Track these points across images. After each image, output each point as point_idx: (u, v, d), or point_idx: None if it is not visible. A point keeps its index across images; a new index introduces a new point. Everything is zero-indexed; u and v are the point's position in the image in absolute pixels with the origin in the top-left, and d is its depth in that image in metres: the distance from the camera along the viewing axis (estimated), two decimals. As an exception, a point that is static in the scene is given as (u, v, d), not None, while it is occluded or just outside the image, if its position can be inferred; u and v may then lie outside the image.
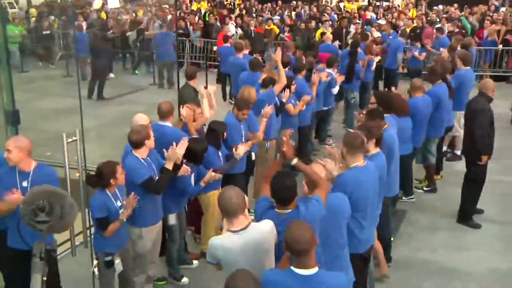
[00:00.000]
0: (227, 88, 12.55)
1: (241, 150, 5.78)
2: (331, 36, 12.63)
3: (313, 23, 15.75)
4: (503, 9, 20.34)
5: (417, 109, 6.83)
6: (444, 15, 18.57)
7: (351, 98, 10.06)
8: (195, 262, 5.89)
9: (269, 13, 21.39)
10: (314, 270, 3.07)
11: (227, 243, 3.41)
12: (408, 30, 14.87)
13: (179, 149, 4.80)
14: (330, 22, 16.78)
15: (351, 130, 7.31)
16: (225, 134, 5.72)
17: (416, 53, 12.45)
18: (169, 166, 4.76)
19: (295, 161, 4.10)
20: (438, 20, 17.03)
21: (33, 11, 21.38)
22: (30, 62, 17.71)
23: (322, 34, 13.47)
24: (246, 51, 10.42)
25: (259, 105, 6.72)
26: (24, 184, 4.34)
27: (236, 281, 3.02)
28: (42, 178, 4.37)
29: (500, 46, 14.70)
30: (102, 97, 13.32)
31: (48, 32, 18.22)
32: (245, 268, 3.17)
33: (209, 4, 24.58)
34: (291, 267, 3.08)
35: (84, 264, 5.09)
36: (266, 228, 3.48)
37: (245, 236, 3.40)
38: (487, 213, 7.02)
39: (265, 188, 3.87)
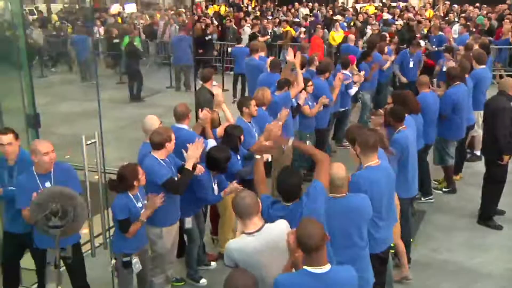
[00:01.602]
0: (238, 88, 12.86)
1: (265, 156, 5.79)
2: (353, 37, 12.62)
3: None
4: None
5: (426, 104, 6.78)
6: (463, 15, 18.41)
7: (358, 98, 10.13)
8: (213, 263, 5.91)
9: (283, 15, 21.39)
10: (327, 267, 3.09)
11: (242, 246, 3.43)
12: (425, 30, 14.76)
13: (197, 148, 4.82)
14: (346, 23, 16.75)
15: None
16: (242, 137, 5.72)
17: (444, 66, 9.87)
18: (189, 165, 4.79)
19: (291, 141, 4.42)
20: (456, 20, 16.89)
21: (54, 17, 21.67)
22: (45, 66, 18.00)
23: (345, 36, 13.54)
24: (262, 53, 10.42)
25: (274, 107, 6.73)
26: (47, 185, 4.42)
27: (234, 280, 3.04)
28: (63, 174, 4.51)
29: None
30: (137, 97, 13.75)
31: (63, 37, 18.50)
32: (263, 269, 3.18)
33: (226, 8, 24.68)
34: (304, 267, 3.09)
35: (103, 265, 5.14)
36: (281, 228, 3.49)
37: (260, 237, 3.40)
38: (508, 214, 6.94)
39: (262, 189, 3.97)
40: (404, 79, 11.11)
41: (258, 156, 4.27)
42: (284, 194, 3.73)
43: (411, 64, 11.23)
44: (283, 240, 3.45)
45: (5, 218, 4.91)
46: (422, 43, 12.31)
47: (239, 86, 13.10)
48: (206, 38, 15.89)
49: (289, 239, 3.29)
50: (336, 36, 14.90)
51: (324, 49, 13.50)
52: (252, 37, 14.37)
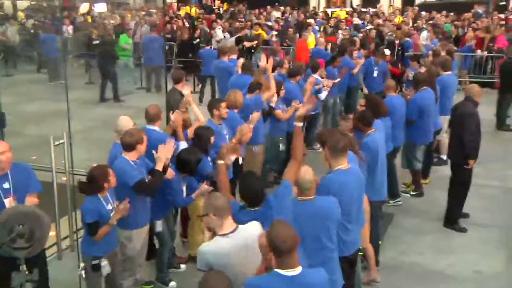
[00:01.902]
0: (207, 91, 12.90)
1: (228, 160, 5.77)
2: (323, 41, 12.74)
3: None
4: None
5: (393, 107, 6.90)
6: (430, 22, 18.79)
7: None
8: (182, 266, 5.87)
9: (255, 17, 21.44)
10: (299, 269, 3.08)
11: (216, 248, 3.41)
12: (394, 36, 14.99)
13: (167, 150, 4.79)
14: (317, 27, 16.91)
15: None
16: (212, 139, 5.70)
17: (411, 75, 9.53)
18: (159, 167, 4.75)
19: (300, 124, 4.51)
20: (424, 27, 17.23)
21: (20, 14, 21.21)
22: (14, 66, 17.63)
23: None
24: (234, 55, 10.42)
25: (245, 110, 6.73)
26: (6, 186, 4.29)
27: (209, 283, 3.02)
28: (21, 174, 4.39)
29: (485, 53, 14.92)
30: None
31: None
32: (238, 270, 3.17)
33: (196, 9, 24.58)
34: (275, 270, 3.06)
35: (70, 268, 5.06)
36: (254, 229, 3.49)
37: (235, 238, 3.40)
38: (473, 217, 7.09)
39: (225, 195, 3.92)
40: (365, 90, 10.85)
41: (220, 162, 4.22)
42: (247, 200, 3.74)
43: (375, 74, 10.99)
44: (256, 241, 3.46)
45: None
46: (388, 51, 11.99)
47: (208, 89, 13.05)
48: (194, 42, 15.69)
49: (261, 242, 3.28)
50: (309, 40, 15.00)
51: (310, 52, 13.44)
52: (238, 41, 14.34)
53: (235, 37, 15.32)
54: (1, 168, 4.29)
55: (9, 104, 7.32)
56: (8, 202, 4.25)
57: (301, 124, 4.40)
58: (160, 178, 4.76)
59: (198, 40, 16.13)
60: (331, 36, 15.45)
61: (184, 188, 5.23)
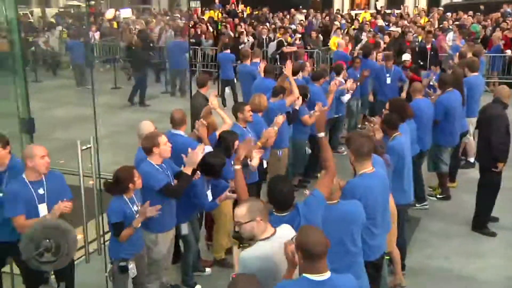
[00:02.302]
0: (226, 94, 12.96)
1: (255, 162, 5.79)
2: (344, 43, 12.66)
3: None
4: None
5: (420, 110, 6.84)
6: (457, 22, 18.53)
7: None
8: (207, 269, 5.89)
9: (279, 21, 21.46)
10: (328, 274, 3.05)
11: (262, 252, 3.34)
12: (420, 38, 14.83)
13: (197, 154, 4.82)
14: (340, 31, 16.83)
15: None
16: (236, 143, 5.71)
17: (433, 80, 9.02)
18: (188, 170, 4.78)
19: (322, 134, 4.32)
20: (450, 28, 17.00)
21: (52, 21, 21.68)
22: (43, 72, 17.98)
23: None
24: (257, 59, 10.44)
25: (269, 114, 6.74)
26: (41, 191, 4.39)
27: (238, 284, 3.01)
28: (56, 182, 4.50)
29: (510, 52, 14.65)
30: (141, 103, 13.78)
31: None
32: (278, 273, 3.17)
33: (220, 14, 24.74)
34: (304, 275, 3.04)
35: (98, 271, 5.11)
36: (290, 231, 3.47)
37: (276, 241, 3.36)
38: (502, 221, 6.96)
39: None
40: (371, 98, 10.41)
41: (237, 167, 4.18)
42: (276, 204, 3.68)
43: (388, 80, 10.10)
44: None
45: None
46: (407, 56, 11.33)
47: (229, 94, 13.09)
48: (240, 47, 15.24)
49: (287, 250, 3.21)
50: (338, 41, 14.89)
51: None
52: (280, 44, 14.23)
53: (276, 41, 15.17)
54: (39, 173, 4.38)
55: (38, 109, 7.47)
56: (43, 207, 4.34)
57: (323, 134, 4.36)
58: (187, 181, 4.79)
59: (243, 45, 15.90)
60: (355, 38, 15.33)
61: (209, 192, 5.25)
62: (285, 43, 15.04)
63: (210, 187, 5.27)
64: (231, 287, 3.03)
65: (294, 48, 14.74)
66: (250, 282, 3.05)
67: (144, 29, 18.85)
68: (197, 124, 5.80)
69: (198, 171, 5.00)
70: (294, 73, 7.98)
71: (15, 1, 5.76)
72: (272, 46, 14.60)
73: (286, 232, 3.42)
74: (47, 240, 2.80)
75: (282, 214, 3.64)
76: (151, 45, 16.08)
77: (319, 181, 3.93)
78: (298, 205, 3.71)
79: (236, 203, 5.96)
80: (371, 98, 10.39)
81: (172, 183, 4.80)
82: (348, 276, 3.26)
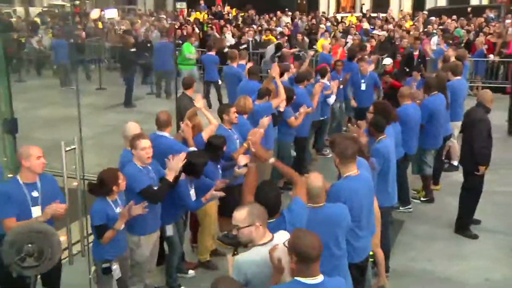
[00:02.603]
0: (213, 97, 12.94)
1: (242, 161, 5.78)
2: (328, 46, 12.73)
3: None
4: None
5: (407, 116, 6.90)
6: (441, 27, 18.73)
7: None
8: (190, 272, 5.86)
9: (266, 23, 21.49)
10: (320, 278, 3.04)
11: (258, 257, 3.29)
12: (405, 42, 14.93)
13: (180, 160, 4.80)
14: (327, 33, 16.92)
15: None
16: (224, 148, 5.71)
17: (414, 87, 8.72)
18: (170, 177, 4.76)
19: (272, 160, 4.36)
20: (434, 32, 17.18)
21: (36, 20, 21.44)
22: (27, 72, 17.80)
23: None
24: (243, 61, 10.46)
25: (255, 116, 6.75)
26: (35, 194, 4.31)
27: (218, 285, 2.98)
28: (50, 185, 4.45)
29: (496, 58, 14.84)
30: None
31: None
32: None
33: (205, 15, 24.71)
34: (296, 278, 3.02)
35: (81, 272, 5.07)
36: (287, 237, 3.43)
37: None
38: (484, 224, 7.03)
39: (249, 199, 3.86)
40: (354, 103, 9.88)
41: (251, 164, 4.19)
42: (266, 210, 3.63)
43: (363, 87, 9.75)
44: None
45: None
46: (388, 61, 10.89)
47: (213, 95, 13.08)
48: (240, 48, 15.06)
49: (273, 256, 3.19)
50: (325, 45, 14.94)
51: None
52: (279, 47, 14.17)
53: (275, 44, 15.12)
54: (34, 174, 4.31)
55: (21, 109, 7.39)
56: (36, 210, 4.27)
57: (272, 159, 4.45)
58: (167, 188, 4.77)
59: (245, 45, 15.76)
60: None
61: (192, 191, 5.24)
62: (284, 45, 14.95)
63: (193, 187, 5.25)
64: (213, 286, 3.00)
65: (294, 50, 14.68)
66: (232, 284, 3.04)
67: (129, 29, 18.77)
68: (182, 126, 5.79)
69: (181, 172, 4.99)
70: (280, 75, 7.99)
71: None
72: (270, 49, 14.53)
73: (283, 237, 3.38)
74: (29, 245, 2.69)
75: (269, 220, 3.58)
76: (148, 45, 15.89)
77: (294, 191, 3.93)
78: (284, 211, 3.70)
79: (221, 205, 6.00)
80: (353, 103, 10.00)
81: (155, 186, 4.78)
82: (339, 280, 3.28)
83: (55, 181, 4.59)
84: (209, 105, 12.39)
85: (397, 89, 8.41)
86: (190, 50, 13.91)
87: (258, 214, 3.37)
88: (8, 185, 4.31)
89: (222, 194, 5.23)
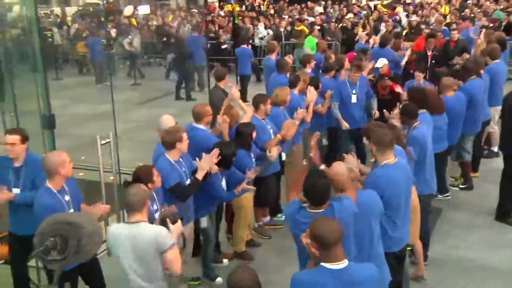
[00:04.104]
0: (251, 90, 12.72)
1: (274, 152, 5.78)
2: (364, 35, 12.53)
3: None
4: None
5: (449, 108, 6.62)
6: (479, 10, 18.19)
7: None
8: (225, 261, 5.92)
9: (297, 13, 21.36)
10: (345, 262, 3.06)
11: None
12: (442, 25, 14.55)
13: (212, 158, 4.81)
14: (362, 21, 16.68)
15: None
16: (253, 134, 5.72)
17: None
18: (200, 175, 4.77)
19: (322, 166, 4.23)
20: (473, 15, 16.69)
21: (69, 19, 21.83)
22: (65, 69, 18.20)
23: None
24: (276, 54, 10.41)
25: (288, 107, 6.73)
26: (67, 198, 4.33)
27: (236, 273, 3.03)
28: (75, 186, 4.51)
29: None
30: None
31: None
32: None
33: (238, 7, 24.72)
34: (321, 264, 3.06)
35: (116, 265, 5.15)
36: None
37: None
38: (526, 210, 6.83)
39: (292, 195, 3.87)
40: (345, 125, 7.68)
41: (322, 166, 4.18)
42: (312, 199, 3.61)
43: (353, 99, 7.69)
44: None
45: (12, 220, 4.87)
46: (382, 62, 8.83)
47: (251, 88, 13.04)
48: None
49: (305, 242, 3.26)
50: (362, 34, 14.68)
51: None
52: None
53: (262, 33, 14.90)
54: (65, 180, 4.33)
55: (57, 106, 7.57)
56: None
57: (323, 167, 4.31)
58: (197, 187, 4.78)
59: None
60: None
61: (224, 183, 5.26)
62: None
63: (224, 178, 5.27)
64: (229, 276, 3.04)
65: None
66: (247, 272, 3.05)
67: (161, 24, 18.94)
68: (219, 120, 5.79)
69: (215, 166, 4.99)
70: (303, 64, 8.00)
71: (34, 0, 5.82)
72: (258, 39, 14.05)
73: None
74: (52, 238, 2.65)
75: (317, 211, 3.58)
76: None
77: (346, 193, 3.88)
78: (334, 203, 3.64)
79: (256, 196, 6.02)
80: (345, 124, 7.72)
81: (187, 182, 4.80)
82: (369, 266, 3.25)
83: (76, 182, 4.62)
84: (244, 99, 12.34)
85: (397, 95, 7.79)
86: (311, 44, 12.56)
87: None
88: (47, 198, 4.22)
89: (253, 188, 5.24)
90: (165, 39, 17.49)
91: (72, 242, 2.63)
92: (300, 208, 3.68)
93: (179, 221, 3.94)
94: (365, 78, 8.05)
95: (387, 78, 8.44)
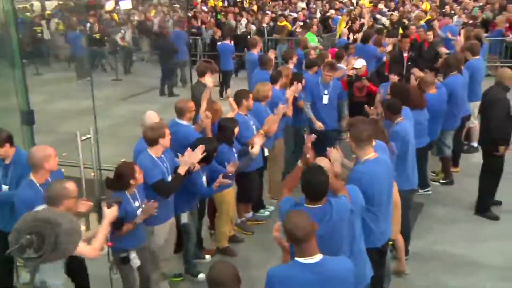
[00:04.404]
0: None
1: (256, 148, 5.78)
2: (346, 31, 12.59)
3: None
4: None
5: (431, 104, 6.64)
6: (458, 7, 18.38)
7: None
8: (207, 257, 5.91)
9: (280, 9, 21.36)
10: (319, 257, 3.10)
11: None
12: (422, 21, 14.68)
13: (195, 155, 4.78)
14: (341, 16, 16.72)
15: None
16: (236, 130, 5.70)
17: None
18: (182, 171, 4.74)
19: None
20: (453, 12, 16.85)
21: (48, 14, 21.45)
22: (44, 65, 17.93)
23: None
24: (258, 48, 10.39)
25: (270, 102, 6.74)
26: None
27: (215, 269, 3.01)
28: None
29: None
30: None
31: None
32: None
33: (221, 2, 24.62)
34: (295, 258, 3.10)
35: (101, 263, 5.09)
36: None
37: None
38: (505, 205, 6.93)
39: (286, 192, 3.91)
40: (319, 125, 7.38)
41: (300, 164, 4.15)
42: (309, 194, 3.60)
43: (325, 100, 7.49)
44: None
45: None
46: (361, 63, 8.47)
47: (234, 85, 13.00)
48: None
49: (275, 235, 3.33)
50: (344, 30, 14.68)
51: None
52: None
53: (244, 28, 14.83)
54: (49, 173, 4.33)
55: (38, 102, 7.47)
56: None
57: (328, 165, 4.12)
58: (179, 182, 4.75)
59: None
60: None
61: (204, 178, 5.24)
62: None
63: (205, 174, 5.26)
64: (209, 272, 3.03)
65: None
66: (227, 268, 3.04)
67: (143, 19, 18.78)
68: (202, 116, 5.76)
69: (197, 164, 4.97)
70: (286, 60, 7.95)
71: (12, -7, 5.72)
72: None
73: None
74: (28, 236, 2.61)
75: (314, 206, 3.59)
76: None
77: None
78: (332, 199, 3.65)
79: (239, 192, 6.02)
80: (319, 124, 7.48)
81: (169, 177, 4.77)
82: (343, 259, 3.29)
83: (62, 174, 4.62)
84: (221, 94, 12.33)
85: (374, 96, 7.50)
86: (313, 40, 12.34)
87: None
88: (28, 191, 4.22)
89: (228, 182, 5.23)
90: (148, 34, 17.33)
91: (49, 239, 2.57)
92: (296, 204, 3.69)
93: (115, 205, 3.90)
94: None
95: (364, 78, 8.27)
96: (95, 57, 16.14)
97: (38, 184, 4.26)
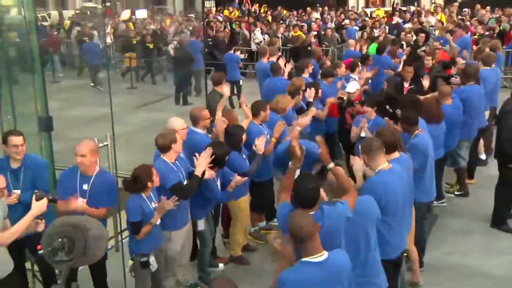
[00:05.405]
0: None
1: (260, 144, 5.69)
2: (353, 42, 12.58)
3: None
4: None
5: (447, 115, 6.55)
6: (475, 18, 18.31)
7: None
8: (220, 265, 5.91)
9: (295, 19, 21.46)
10: (325, 254, 3.16)
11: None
12: (437, 32, 14.66)
13: (207, 157, 4.82)
14: (357, 28, 16.77)
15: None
16: (243, 137, 5.70)
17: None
18: (198, 172, 4.78)
19: (331, 165, 4.19)
20: (469, 23, 16.80)
21: (67, 23, 21.80)
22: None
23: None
24: (273, 57, 10.39)
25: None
26: (85, 187, 4.54)
27: (215, 284, 3.00)
28: (103, 183, 4.60)
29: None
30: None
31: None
32: None
33: (236, 12, 24.80)
34: (303, 259, 3.14)
35: (115, 267, 5.15)
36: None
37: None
38: (521, 217, 6.86)
39: (283, 197, 3.91)
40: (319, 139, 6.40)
41: (292, 166, 4.20)
42: (301, 202, 3.61)
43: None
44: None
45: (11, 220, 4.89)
46: (354, 87, 7.53)
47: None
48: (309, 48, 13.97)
49: (271, 241, 3.46)
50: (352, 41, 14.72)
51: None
52: None
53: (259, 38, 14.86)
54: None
55: (55, 109, 7.55)
56: (81, 201, 4.53)
57: (332, 164, 4.20)
58: (196, 183, 4.79)
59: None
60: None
61: (219, 183, 5.26)
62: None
63: (219, 179, 5.28)
64: (210, 285, 3.02)
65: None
66: (228, 284, 3.02)
67: (159, 28, 18.96)
68: (217, 121, 5.79)
69: (211, 171, 4.99)
70: (300, 71, 8.01)
71: (33, 3, 5.83)
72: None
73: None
74: (59, 240, 2.69)
75: (308, 213, 3.56)
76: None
77: (345, 196, 3.88)
78: (324, 206, 3.66)
79: (253, 201, 6.02)
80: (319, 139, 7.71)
81: (184, 182, 4.81)
82: (342, 252, 3.37)
83: (112, 181, 4.87)
84: (231, 105, 12.34)
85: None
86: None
87: None
88: (67, 172, 4.66)
89: (245, 179, 5.25)
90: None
91: (79, 244, 2.69)
92: (292, 210, 3.70)
93: (45, 199, 3.75)
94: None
95: (357, 103, 7.23)
96: (149, 67, 16.53)
97: (80, 172, 4.60)
